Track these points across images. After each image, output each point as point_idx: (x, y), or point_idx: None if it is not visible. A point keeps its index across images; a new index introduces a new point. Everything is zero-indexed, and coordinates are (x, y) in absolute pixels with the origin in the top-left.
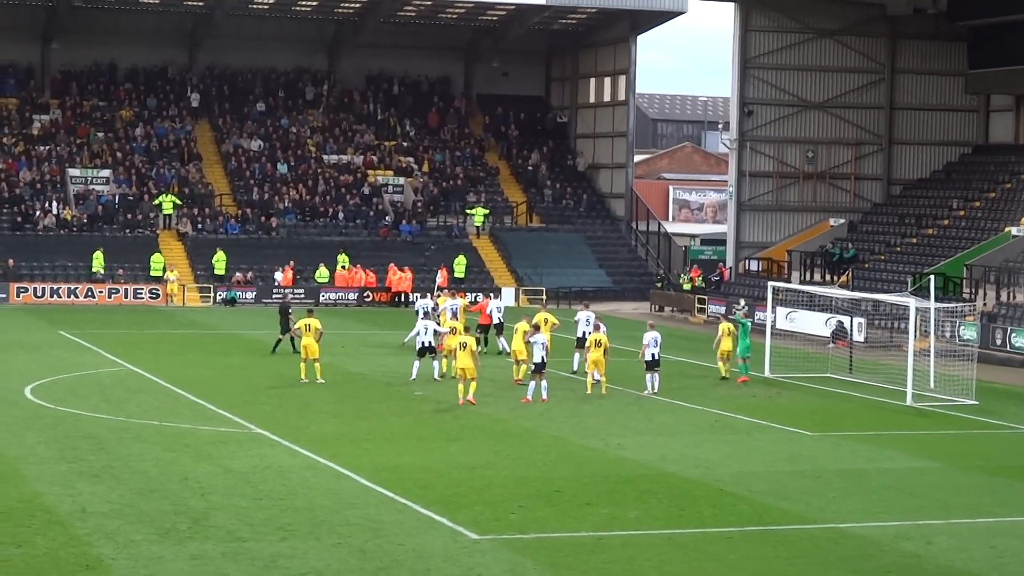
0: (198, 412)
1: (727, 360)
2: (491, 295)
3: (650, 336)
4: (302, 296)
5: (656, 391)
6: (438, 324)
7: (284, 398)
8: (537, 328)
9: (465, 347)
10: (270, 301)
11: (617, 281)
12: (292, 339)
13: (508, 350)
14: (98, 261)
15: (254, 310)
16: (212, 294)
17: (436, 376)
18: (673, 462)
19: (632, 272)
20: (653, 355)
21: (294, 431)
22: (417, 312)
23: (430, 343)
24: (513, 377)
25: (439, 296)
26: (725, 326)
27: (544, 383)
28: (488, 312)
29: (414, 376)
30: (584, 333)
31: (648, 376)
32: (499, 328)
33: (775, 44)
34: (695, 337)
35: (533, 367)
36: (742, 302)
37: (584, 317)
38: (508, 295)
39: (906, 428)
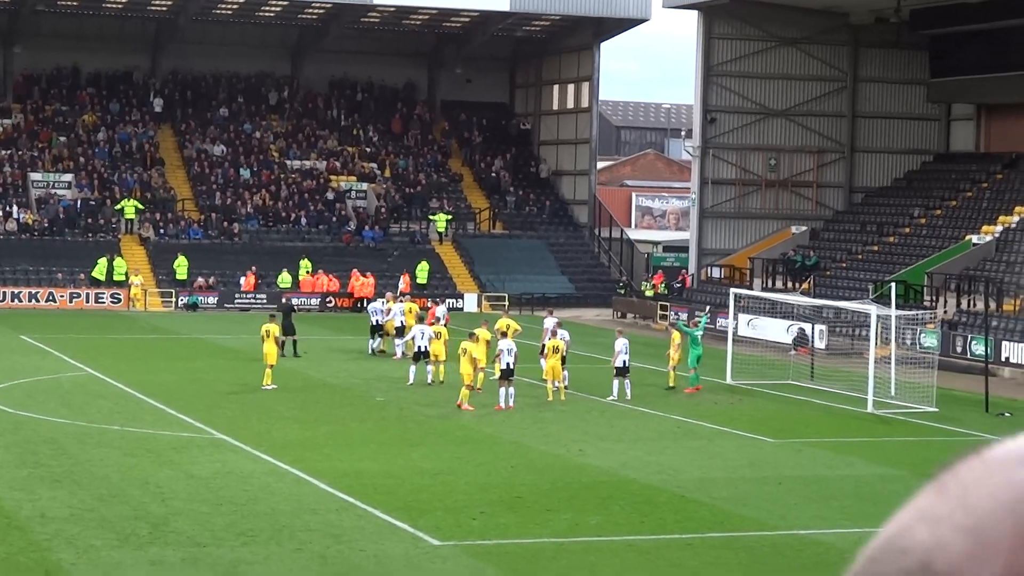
0: (159, 417)
1: (676, 368)
2: (438, 301)
3: (621, 343)
4: (264, 301)
5: (629, 397)
6: (382, 324)
7: (246, 403)
8: (504, 335)
9: (465, 352)
10: (232, 306)
11: (580, 287)
12: (295, 343)
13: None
14: (100, 269)
15: (216, 315)
16: (174, 299)
17: (430, 381)
18: (635, 468)
19: (595, 278)
20: (624, 362)
21: (255, 436)
22: (370, 317)
23: (426, 348)
24: (458, 399)
25: (393, 300)
26: (677, 336)
27: (511, 390)
28: (437, 317)
29: (412, 381)
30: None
31: (616, 382)
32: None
33: (738, 52)
34: (657, 344)
35: (500, 373)
36: (706, 310)
37: (550, 323)
38: (471, 301)
39: (867, 435)
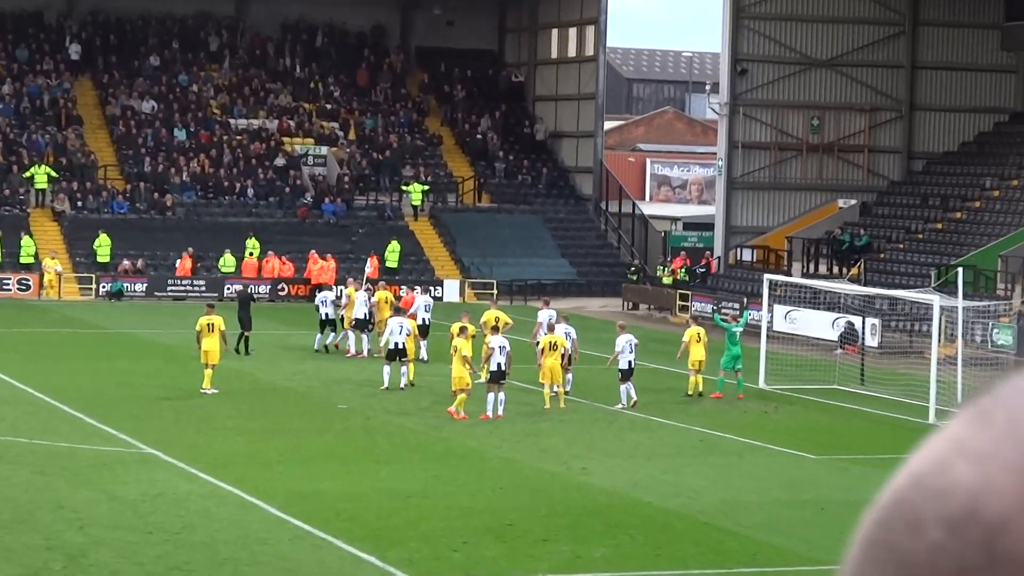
0: (76, 428)
1: (699, 372)
2: (418, 289)
3: (624, 340)
4: (203, 289)
5: (635, 403)
6: (337, 311)
7: (181, 411)
8: (495, 330)
9: (456, 351)
10: (164, 295)
11: (583, 273)
12: (246, 339)
13: (425, 359)
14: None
15: (145, 305)
16: (94, 285)
17: (403, 384)
18: (648, 490)
19: (601, 262)
20: (629, 362)
21: (192, 451)
22: (317, 308)
23: (402, 344)
24: (450, 406)
25: (356, 288)
26: (693, 331)
27: (502, 396)
28: (413, 310)
29: (386, 384)
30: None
31: (623, 387)
32: (424, 331)
33: None
34: (675, 340)
35: (489, 376)
36: (743, 302)
37: (546, 317)
38: (452, 289)
39: None
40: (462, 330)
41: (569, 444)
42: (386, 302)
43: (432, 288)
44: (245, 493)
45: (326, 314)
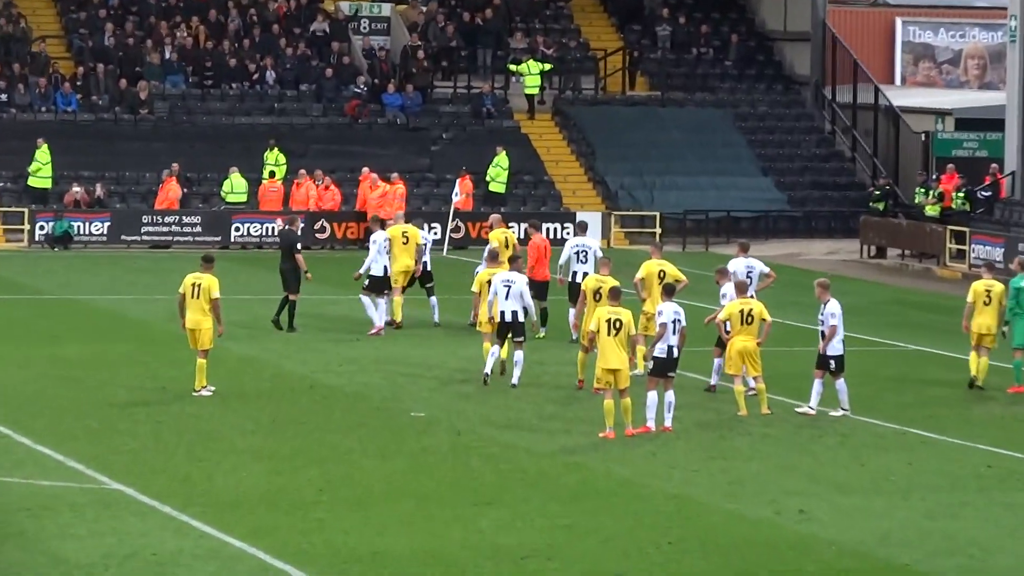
0: (2, 450)
1: (982, 348)
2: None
3: (831, 309)
4: (196, 230)
5: (845, 413)
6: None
7: (164, 425)
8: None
9: (620, 327)
10: (135, 238)
11: (797, 200)
12: (292, 305)
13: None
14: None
15: (107, 256)
16: (27, 225)
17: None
18: (907, 546)
19: (825, 182)
20: (842, 342)
21: (183, 487)
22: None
23: (516, 315)
24: (578, 376)
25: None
26: (981, 286)
27: (670, 395)
28: (561, 261)
29: (488, 370)
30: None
31: (817, 383)
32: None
33: None
34: (946, 306)
35: (654, 366)
36: None
37: (743, 269)
38: (590, 225)
39: None
40: (601, 294)
41: (778, 472)
42: (505, 246)
43: (556, 226)
44: (265, 553)
45: (383, 266)
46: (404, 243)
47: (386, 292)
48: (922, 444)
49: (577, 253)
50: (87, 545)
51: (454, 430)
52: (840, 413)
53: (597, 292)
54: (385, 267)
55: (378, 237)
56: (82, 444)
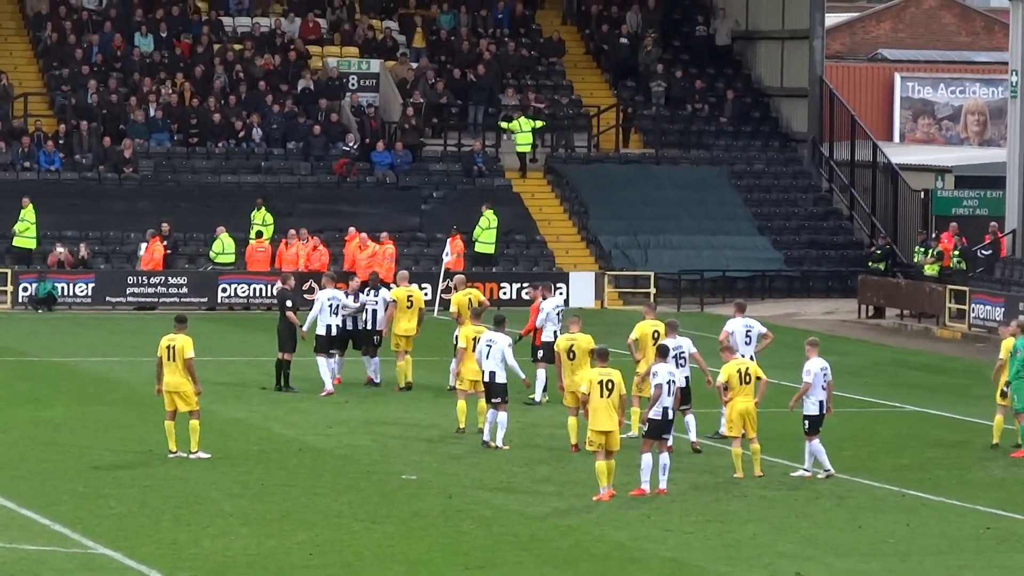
0: None
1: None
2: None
3: (814, 367)
4: (183, 291)
5: (829, 474)
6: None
7: (151, 488)
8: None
9: (612, 387)
10: (120, 300)
11: (794, 259)
12: (286, 367)
13: (538, 398)
14: None
15: (91, 317)
16: (10, 287)
17: (497, 440)
18: None
19: (822, 242)
20: (821, 403)
21: (171, 552)
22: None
23: (494, 376)
24: (571, 441)
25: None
26: (1008, 342)
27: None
28: (539, 323)
29: (485, 439)
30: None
31: (809, 445)
32: (548, 349)
33: None
34: (945, 367)
35: (649, 428)
36: None
37: (741, 330)
38: (582, 285)
39: None
40: (575, 352)
41: (774, 535)
42: (468, 307)
43: (553, 286)
44: None
45: (341, 320)
46: (408, 306)
47: (334, 352)
48: (921, 506)
49: (559, 313)
50: None
51: (445, 493)
52: (824, 475)
53: (570, 351)
54: (328, 326)
55: (322, 296)
56: (67, 507)
